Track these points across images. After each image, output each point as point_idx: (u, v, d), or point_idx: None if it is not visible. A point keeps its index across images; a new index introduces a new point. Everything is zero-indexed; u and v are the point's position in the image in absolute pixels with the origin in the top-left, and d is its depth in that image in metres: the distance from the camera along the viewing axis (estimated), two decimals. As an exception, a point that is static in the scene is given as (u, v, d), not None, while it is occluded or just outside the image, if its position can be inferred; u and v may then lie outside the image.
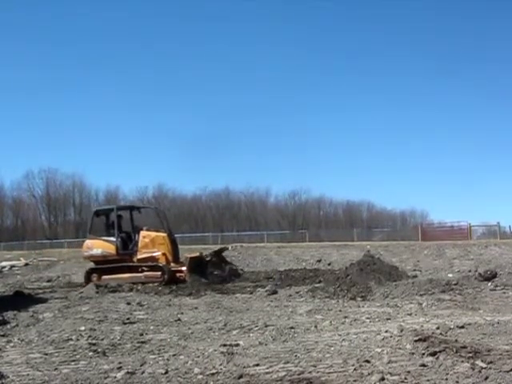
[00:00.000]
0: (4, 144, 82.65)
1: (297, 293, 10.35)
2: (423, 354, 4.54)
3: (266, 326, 6.47)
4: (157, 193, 65.77)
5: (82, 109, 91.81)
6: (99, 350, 5.36)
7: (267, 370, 4.32)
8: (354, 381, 3.95)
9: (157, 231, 14.88)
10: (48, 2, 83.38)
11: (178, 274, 13.89)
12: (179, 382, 4.16)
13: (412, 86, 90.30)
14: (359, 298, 9.25)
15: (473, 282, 10.21)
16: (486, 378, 3.83)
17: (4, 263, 23.27)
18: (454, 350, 4.52)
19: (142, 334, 6.25)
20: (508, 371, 3.93)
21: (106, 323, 7.17)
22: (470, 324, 6.04)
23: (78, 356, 5.16)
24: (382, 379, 3.90)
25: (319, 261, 19.32)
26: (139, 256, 14.39)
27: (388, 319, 6.75)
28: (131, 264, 14.36)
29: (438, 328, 5.77)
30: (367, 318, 6.84)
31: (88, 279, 14.28)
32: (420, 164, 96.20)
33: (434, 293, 9.25)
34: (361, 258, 12.84)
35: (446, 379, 3.88)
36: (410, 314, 7.17)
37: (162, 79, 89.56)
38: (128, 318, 7.50)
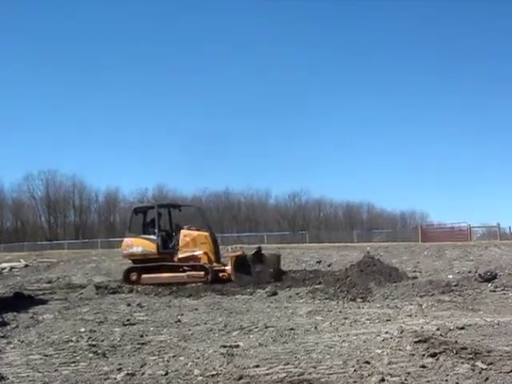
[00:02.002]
0: (4, 145, 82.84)
1: (297, 294, 10.34)
2: (423, 355, 4.54)
3: (266, 328, 6.47)
4: (157, 194, 65.75)
5: (82, 110, 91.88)
6: (99, 351, 5.36)
7: (267, 372, 4.32)
8: (354, 382, 3.95)
9: (198, 230, 14.69)
10: (50, 1, 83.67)
11: (220, 274, 13.72)
12: (179, 383, 4.16)
13: (412, 86, 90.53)
14: (359, 299, 9.24)
15: (473, 283, 10.20)
16: (486, 379, 3.83)
17: (4, 264, 23.26)
18: (454, 351, 4.52)
19: (142, 336, 6.25)
20: (508, 372, 3.93)
21: (106, 324, 7.16)
22: (470, 325, 6.05)
23: (78, 357, 5.16)
24: (382, 380, 3.90)
25: (319, 262, 19.29)
26: (180, 255, 14.19)
27: (388, 320, 6.75)
28: (172, 263, 14.15)
29: (438, 329, 5.77)
30: (367, 320, 6.84)
31: (127, 278, 14.14)
32: (420, 165, 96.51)
33: (434, 294, 9.25)
34: (361, 259, 12.83)
35: (446, 380, 3.88)
36: (410, 316, 7.16)
37: (162, 80, 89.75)
38: (128, 320, 7.49)
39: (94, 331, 6.50)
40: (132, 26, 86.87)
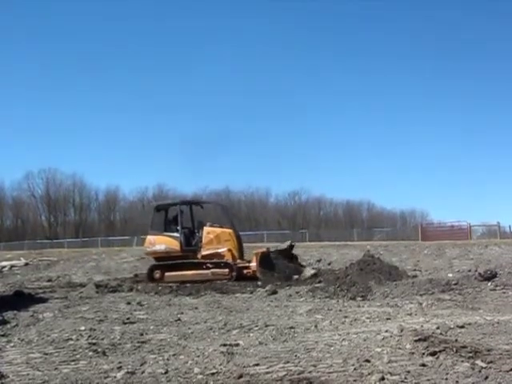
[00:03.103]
0: (4, 144, 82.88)
1: (297, 293, 10.33)
2: (423, 353, 4.54)
3: (266, 326, 6.47)
4: (157, 193, 65.79)
5: (82, 109, 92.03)
6: (99, 349, 5.35)
7: (267, 370, 4.32)
8: (354, 380, 3.95)
9: (221, 227, 14.58)
10: (51, 1, 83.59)
11: (245, 271, 13.64)
12: (179, 381, 4.16)
13: (412, 86, 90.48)
14: (359, 298, 9.24)
15: (473, 281, 10.19)
16: (486, 378, 3.83)
17: (4, 263, 23.25)
18: (454, 349, 4.52)
19: (142, 334, 6.25)
20: (508, 371, 3.93)
21: (106, 323, 7.16)
22: (469, 324, 6.04)
23: (78, 356, 5.16)
24: (382, 379, 3.90)
25: (319, 261, 19.30)
26: (203, 252, 14.10)
27: (388, 319, 6.74)
28: (196, 261, 14.05)
29: (437, 328, 5.77)
30: (367, 318, 6.84)
31: (151, 276, 14.06)
32: (420, 164, 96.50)
33: (434, 292, 9.24)
34: (361, 257, 12.83)
35: (446, 379, 3.87)
36: (410, 314, 7.16)
37: (162, 79, 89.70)
38: (128, 318, 7.49)
39: (94, 330, 6.49)
40: (132, 26, 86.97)
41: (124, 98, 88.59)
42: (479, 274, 10.64)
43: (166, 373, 4.38)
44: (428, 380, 3.88)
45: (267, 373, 4.24)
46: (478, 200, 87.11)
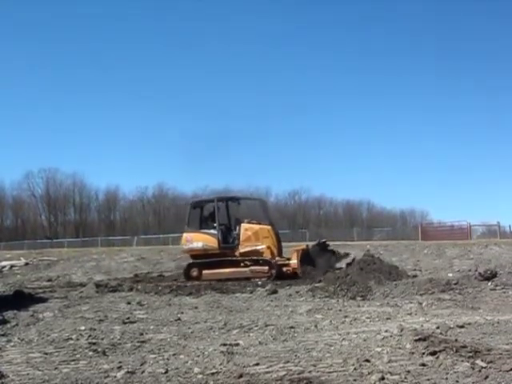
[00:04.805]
0: (4, 143, 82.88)
1: (297, 292, 10.33)
2: (423, 353, 4.54)
3: (266, 326, 6.47)
4: (157, 192, 65.82)
5: (82, 109, 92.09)
6: (99, 349, 5.35)
7: (267, 370, 4.32)
8: (354, 380, 3.95)
9: (259, 223, 14.32)
10: (48, 1, 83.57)
11: (284, 268, 13.43)
12: (179, 381, 4.16)
13: (412, 86, 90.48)
14: (359, 298, 9.24)
15: (473, 281, 10.18)
16: (486, 378, 3.83)
17: (4, 263, 23.21)
18: (454, 349, 4.52)
19: (142, 334, 6.25)
20: (508, 371, 3.93)
21: (106, 323, 7.16)
22: (469, 323, 6.04)
23: (78, 355, 5.16)
24: (382, 378, 3.90)
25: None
26: (241, 250, 13.83)
27: (388, 319, 6.75)
28: (234, 258, 13.80)
29: (437, 327, 5.77)
30: (367, 318, 6.84)
31: (187, 275, 13.88)
32: (420, 163, 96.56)
33: (434, 292, 9.25)
34: (361, 257, 12.83)
35: (446, 378, 3.88)
36: (410, 314, 7.16)
37: (162, 79, 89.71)
38: (128, 318, 7.49)
39: (94, 329, 6.49)
40: (132, 25, 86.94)
41: (124, 97, 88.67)
42: (479, 273, 10.63)
43: (165, 372, 4.38)
44: (428, 380, 3.88)
45: (267, 372, 4.24)
46: (478, 200, 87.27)
